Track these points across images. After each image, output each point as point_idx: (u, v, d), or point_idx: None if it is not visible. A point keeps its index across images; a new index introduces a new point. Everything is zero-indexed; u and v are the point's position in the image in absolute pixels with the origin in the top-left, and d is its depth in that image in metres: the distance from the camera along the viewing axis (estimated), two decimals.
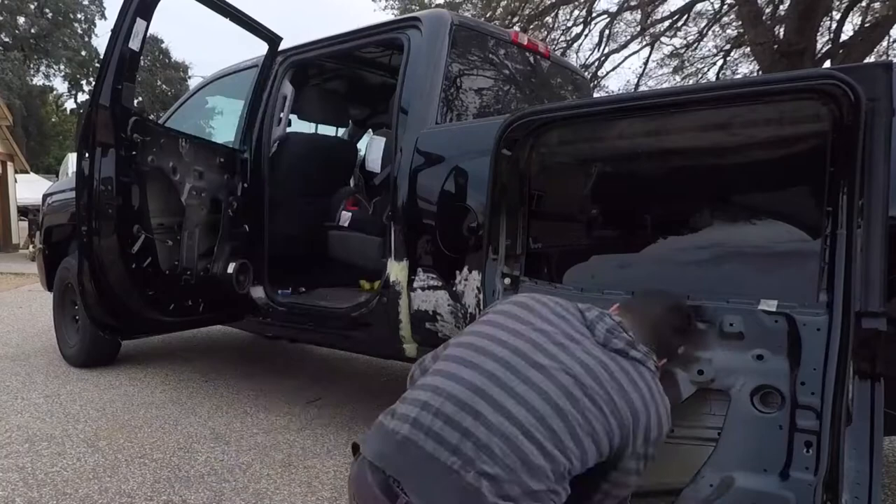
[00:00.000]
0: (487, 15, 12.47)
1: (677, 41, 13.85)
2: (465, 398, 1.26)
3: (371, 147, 3.77)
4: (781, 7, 11.23)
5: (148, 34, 2.65)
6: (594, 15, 13.25)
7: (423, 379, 1.40)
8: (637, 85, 14.33)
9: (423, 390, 1.33)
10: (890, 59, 9.10)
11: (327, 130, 4.08)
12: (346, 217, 3.56)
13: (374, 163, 3.60)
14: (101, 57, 2.63)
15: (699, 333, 1.67)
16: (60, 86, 37.60)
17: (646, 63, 14.18)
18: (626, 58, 16.05)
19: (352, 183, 4.07)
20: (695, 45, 13.61)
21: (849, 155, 1.47)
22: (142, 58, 2.68)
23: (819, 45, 10.73)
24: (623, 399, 1.32)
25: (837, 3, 10.67)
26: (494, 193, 1.98)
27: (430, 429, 1.24)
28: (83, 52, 33.56)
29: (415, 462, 1.23)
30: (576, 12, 13.30)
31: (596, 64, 13.71)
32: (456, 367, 1.35)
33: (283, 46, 3.32)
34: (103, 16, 34.17)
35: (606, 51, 13.72)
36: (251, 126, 3.32)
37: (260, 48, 3.31)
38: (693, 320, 1.65)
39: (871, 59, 10.16)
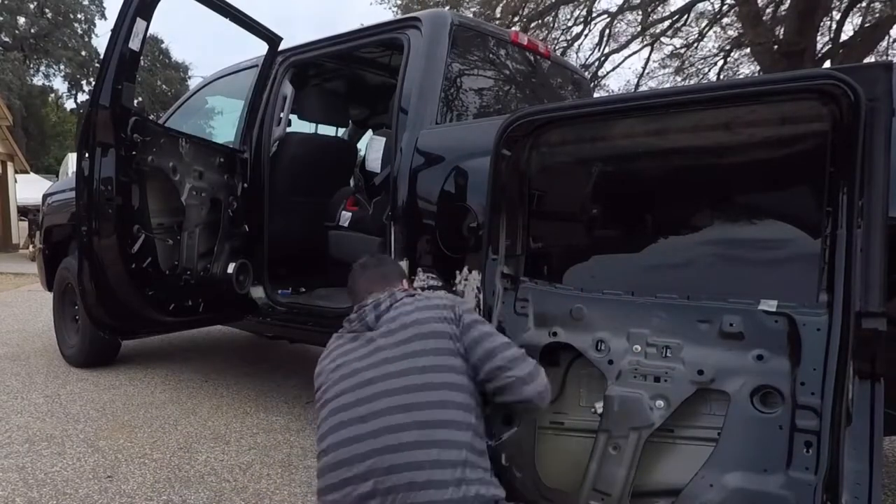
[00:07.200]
0: (487, 14, 12.47)
1: (678, 41, 13.87)
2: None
3: (371, 147, 3.77)
4: (781, 7, 11.24)
5: (148, 34, 2.66)
6: (594, 15, 13.27)
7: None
8: (637, 85, 14.35)
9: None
10: (890, 59, 9.11)
11: (327, 130, 4.08)
12: (346, 217, 3.56)
13: (374, 163, 3.60)
14: (101, 57, 2.63)
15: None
16: (60, 86, 37.63)
17: (646, 63, 14.20)
18: (627, 58, 16.08)
19: (352, 183, 4.06)
20: (695, 46, 13.63)
21: (849, 155, 1.47)
22: (142, 58, 2.69)
23: (819, 45, 10.74)
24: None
25: (837, 3, 10.67)
26: (494, 193, 1.98)
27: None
28: (83, 52, 33.51)
29: None
30: (576, 12, 13.32)
31: (596, 64, 13.73)
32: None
33: (283, 46, 3.32)
34: (103, 16, 34.14)
35: (606, 51, 13.74)
36: (251, 126, 3.32)
37: (260, 48, 3.31)
38: None
39: (871, 59, 10.16)
